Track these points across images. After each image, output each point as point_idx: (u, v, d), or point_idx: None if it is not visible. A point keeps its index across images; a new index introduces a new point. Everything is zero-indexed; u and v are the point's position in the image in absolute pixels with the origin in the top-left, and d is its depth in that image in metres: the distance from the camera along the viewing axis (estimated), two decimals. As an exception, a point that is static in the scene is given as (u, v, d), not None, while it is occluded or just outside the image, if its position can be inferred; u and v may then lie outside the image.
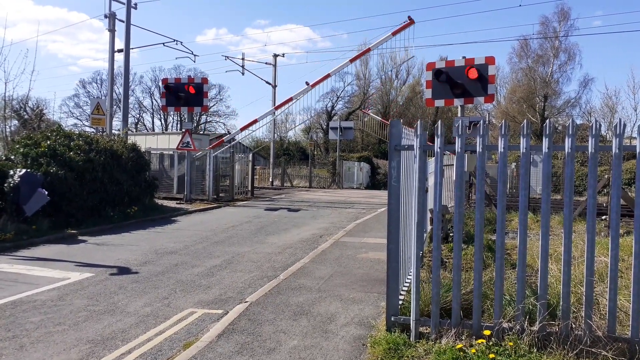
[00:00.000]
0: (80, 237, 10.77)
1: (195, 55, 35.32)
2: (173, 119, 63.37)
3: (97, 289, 6.71)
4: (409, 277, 5.93)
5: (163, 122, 63.68)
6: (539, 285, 4.37)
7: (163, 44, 25.55)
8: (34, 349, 4.66)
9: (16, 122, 26.30)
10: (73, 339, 4.90)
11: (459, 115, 12.50)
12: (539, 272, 4.38)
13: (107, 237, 10.82)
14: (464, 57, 12.12)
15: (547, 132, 4.35)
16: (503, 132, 4.45)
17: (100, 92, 57.55)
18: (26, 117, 29.10)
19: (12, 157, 11.75)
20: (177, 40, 25.55)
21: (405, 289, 5.47)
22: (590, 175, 4.33)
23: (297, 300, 6.08)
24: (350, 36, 77.03)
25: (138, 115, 64.08)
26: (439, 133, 4.53)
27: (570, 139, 4.28)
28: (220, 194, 18.69)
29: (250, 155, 21.96)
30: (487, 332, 4.31)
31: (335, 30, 76.85)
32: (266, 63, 35.78)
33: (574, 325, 4.34)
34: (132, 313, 5.76)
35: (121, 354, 4.56)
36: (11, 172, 10.47)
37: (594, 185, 4.35)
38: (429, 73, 12.27)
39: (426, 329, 4.69)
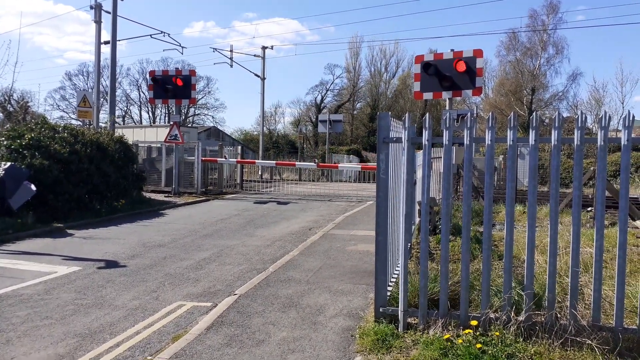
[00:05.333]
0: (67, 231, 10.66)
1: (182, 47, 34.87)
2: (161, 111, 62.84)
3: (84, 283, 6.66)
4: (397, 268, 5.97)
5: (151, 114, 63.10)
6: (525, 275, 4.43)
7: (150, 35, 25.24)
8: (20, 343, 4.62)
9: (0, 115, 25.90)
10: (60, 333, 4.87)
11: (447, 108, 12.55)
12: (525, 263, 4.44)
13: (95, 231, 10.72)
14: (452, 50, 12.15)
15: (534, 125, 4.39)
16: (490, 125, 4.49)
17: (87, 84, 56.77)
18: (10, 109, 28.64)
19: (-4, 150, 11.57)
20: (164, 32, 25.22)
21: (394, 280, 5.51)
22: (575, 168, 4.38)
23: (286, 292, 6.09)
24: (338, 29, 76.76)
25: (125, 108, 63.45)
26: (427, 125, 4.54)
27: (556, 132, 4.33)
28: (209, 187, 18.61)
29: (239, 148, 21.84)
30: (474, 323, 4.36)
31: (322, 23, 76.58)
32: (255, 55, 35.58)
33: (559, 315, 4.41)
34: (120, 306, 5.73)
35: (109, 347, 4.54)
36: (-5, 165, 10.31)
37: (580, 177, 4.41)
38: (418, 66, 12.30)
39: (414, 320, 4.73)
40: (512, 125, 4.42)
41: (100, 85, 20.74)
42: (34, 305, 5.72)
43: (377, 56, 64.23)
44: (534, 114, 4.55)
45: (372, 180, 26.33)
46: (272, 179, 25.70)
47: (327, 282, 6.55)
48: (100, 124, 19.64)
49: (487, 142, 4.47)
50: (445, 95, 12.00)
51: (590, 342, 4.02)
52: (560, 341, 4.09)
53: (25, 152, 11.46)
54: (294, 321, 5.10)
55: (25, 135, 11.92)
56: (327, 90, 63.36)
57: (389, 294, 4.98)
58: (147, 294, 6.24)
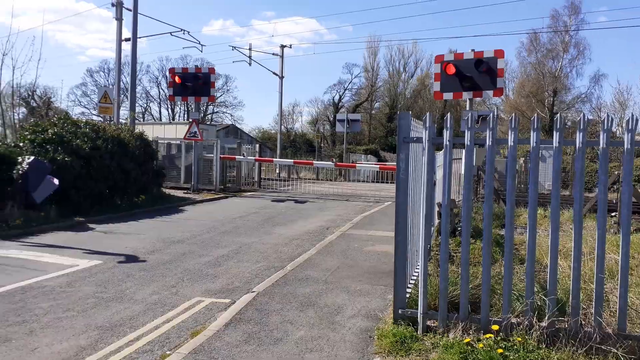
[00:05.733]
0: (88, 225, 10.84)
1: (202, 45, 35.40)
2: (180, 108, 63.41)
3: (105, 277, 6.76)
4: (416, 270, 5.93)
5: (170, 112, 63.75)
6: (548, 280, 4.35)
7: (170, 33, 25.45)
8: (43, 334, 4.70)
9: (24, 109, 26.45)
10: (82, 325, 4.94)
11: (467, 108, 12.41)
12: (549, 268, 4.36)
13: (115, 226, 10.88)
14: (472, 50, 12.01)
15: (558, 127, 4.30)
16: (513, 126, 4.42)
17: (108, 81, 57.60)
18: (34, 104, 29.25)
19: (21, 144, 11.81)
20: (184, 30, 25.46)
21: (413, 282, 5.46)
22: (600, 171, 4.29)
23: (304, 291, 6.09)
24: (356, 28, 76.57)
25: (145, 105, 64.23)
26: (448, 125, 4.49)
27: (581, 134, 4.24)
28: (227, 185, 18.72)
29: (257, 146, 21.95)
30: (495, 327, 4.30)
31: (340, 23, 76.47)
32: (273, 54, 35.65)
33: (583, 322, 4.32)
34: (140, 301, 5.80)
35: (129, 341, 4.59)
36: (19, 159, 10.52)
37: (605, 180, 4.31)
38: (438, 65, 12.18)
39: (433, 323, 4.68)
40: (535, 127, 4.34)
41: (121, 82, 21.03)
42: (57, 297, 5.82)
43: (395, 56, 63.79)
44: (558, 115, 4.47)
45: (390, 181, 26.20)
46: (290, 178, 25.76)
47: (344, 282, 6.53)
48: (120, 120, 19.90)
49: (509, 144, 4.40)
50: (466, 95, 11.87)
51: (615, 350, 3.93)
52: (585, 349, 4.00)
53: (48, 146, 11.68)
54: (311, 320, 5.09)
55: (49, 130, 12.15)
56: (345, 90, 63.24)
57: (407, 295, 4.95)
58: (166, 289, 6.30)
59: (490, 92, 11.66)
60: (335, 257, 8.03)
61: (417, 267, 6.26)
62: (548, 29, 43.63)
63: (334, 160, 24.31)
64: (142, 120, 59.31)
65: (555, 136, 4.29)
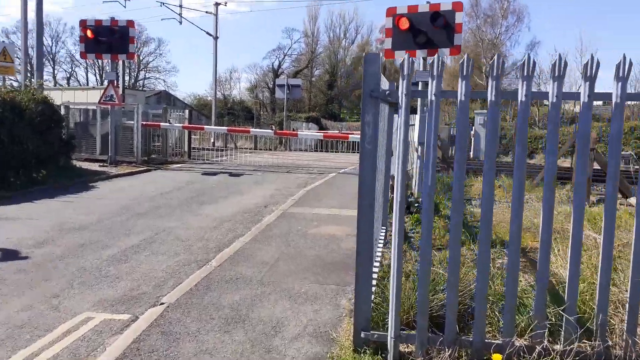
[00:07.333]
0: (-35, 209, 8.70)
1: (126, 0, 31.84)
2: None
3: (-43, 286, 4.95)
4: (375, 262, 4.64)
5: (98, 77, 58.75)
6: (566, 292, 3.15)
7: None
8: None
9: None
10: None
11: (420, 69, 11.15)
12: (568, 273, 3.15)
13: (1, 209, 8.80)
14: (428, 2, 10.68)
15: (525, 73, 3.04)
16: (464, 73, 3.11)
17: (28, 42, 51.67)
18: None
19: None
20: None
21: (373, 280, 4.14)
22: (616, 127, 3.09)
23: (232, 299, 4.63)
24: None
25: (70, 70, 58.87)
26: (436, 73, 3.11)
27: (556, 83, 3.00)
28: (151, 156, 16.63)
29: (187, 112, 19.76)
30: (497, 358, 3.06)
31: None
32: (207, 12, 32.88)
33: (610, 343, 3.19)
34: (2, 322, 4.13)
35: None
36: None
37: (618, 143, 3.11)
38: (390, 19, 10.76)
39: (408, 348, 3.41)
40: (495, 74, 3.05)
41: (43, 45, 18.09)
42: None
43: (336, 22, 62.33)
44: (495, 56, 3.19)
45: (333, 150, 24.93)
46: (226, 148, 23.84)
47: (285, 282, 5.12)
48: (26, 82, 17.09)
49: (459, 98, 3.10)
50: (420, 53, 10.58)
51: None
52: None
53: None
54: (239, 348, 3.66)
55: None
56: (284, 56, 61.06)
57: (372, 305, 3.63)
58: (45, 300, 4.64)
59: (447, 50, 10.42)
60: (274, 245, 6.60)
61: (377, 258, 4.97)
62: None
63: (274, 127, 22.65)
64: (67, 85, 54.22)
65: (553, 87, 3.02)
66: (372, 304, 3.57)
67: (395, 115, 7.89)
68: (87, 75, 59.35)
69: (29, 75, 16.30)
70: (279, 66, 60.96)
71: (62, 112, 15.44)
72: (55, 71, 59.35)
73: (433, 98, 3.10)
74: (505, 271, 3.35)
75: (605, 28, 65.61)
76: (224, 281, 5.10)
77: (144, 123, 15.92)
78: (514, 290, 3.20)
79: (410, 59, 3.07)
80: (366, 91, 3.17)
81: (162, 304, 4.48)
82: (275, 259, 5.92)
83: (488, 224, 3.18)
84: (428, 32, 10.55)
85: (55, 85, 51.97)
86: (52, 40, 57.98)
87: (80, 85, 56.23)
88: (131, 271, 5.54)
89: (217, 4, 32.52)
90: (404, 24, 10.40)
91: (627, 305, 3.13)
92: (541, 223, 3.14)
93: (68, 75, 58.64)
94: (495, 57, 3.13)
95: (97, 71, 58.16)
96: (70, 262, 5.85)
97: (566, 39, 70.04)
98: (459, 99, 3.09)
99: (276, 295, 4.73)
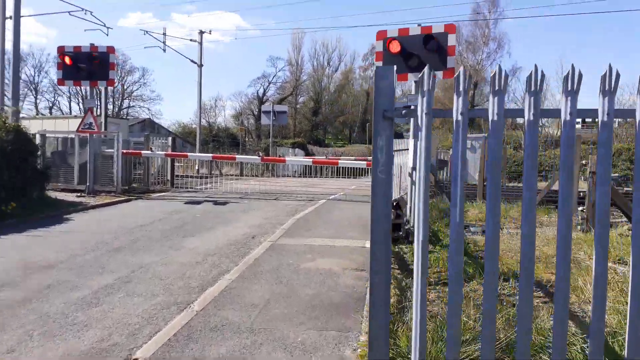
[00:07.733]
0: None
1: (108, 28, 31.41)
2: (95, 103, 57.98)
3: None
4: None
5: (81, 106, 58.11)
6: (591, 330, 2.62)
7: (69, 12, 21.84)
8: None
9: None
10: None
11: (412, 92, 10.80)
12: (592, 308, 2.62)
13: (-37, 246, 8.04)
14: (419, 25, 10.42)
15: (532, 86, 2.58)
16: (460, 88, 2.65)
17: (9, 72, 50.95)
18: None
19: None
20: (85, 10, 21.95)
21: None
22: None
23: (218, 351, 3.99)
24: (278, 25, 74.49)
25: (53, 99, 58.18)
26: (462, 88, 2.63)
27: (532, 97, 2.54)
28: (132, 185, 15.92)
29: (170, 139, 19.15)
30: None
31: (264, 18, 73.97)
32: (191, 40, 32.64)
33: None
34: (-61, 389, 3.43)
35: None
36: None
37: None
38: (380, 43, 10.45)
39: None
40: (496, 88, 2.59)
41: (24, 73, 17.42)
42: None
43: (319, 50, 63.25)
44: (497, 67, 2.76)
45: (321, 175, 24.45)
46: (211, 175, 23.19)
47: (279, 329, 4.50)
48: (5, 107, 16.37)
49: (454, 118, 2.62)
50: (412, 77, 10.24)
51: None
52: None
53: None
54: (228, 419, 3.03)
55: None
56: (269, 83, 61.38)
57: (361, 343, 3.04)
58: (-3, 357, 3.95)
59: (440, 73, 10.10)
60: (264, 283, 5.97)
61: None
62: (469, 19, 44.37)
63: (260, 154, 22.12)
64: (50, 114, 53.37)
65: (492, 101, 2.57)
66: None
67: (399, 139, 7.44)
68: (70, 104, 58.79)
69: (2, 104, 15.62)
70: (264, 94, 61.18)
71: (38, 140, 14.77)
72: (38, 100, 58.62)
73: (424, 116, 2.61)
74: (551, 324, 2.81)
75: (585, 57, 67.52)
76: (207, 329, 4.46)
77: (125, 151, 15.27)
78: (563, 339, 2.66)
79: (432, 72, 2.59)
80: (378, 110, 2.67)
81: (135, 359, 3.83)
82: (265, 300, 5.29)
83: (529, 277, 2.65)
84: (420, 55, 10.26)
85: (37, 114, 51.15)
86: (34, 70, 57.40)
87: (62, 114, 55.46)
88: (102, 317, 4.87)
89: (201, 32, 32.39)
90: (395, 47, 10.11)
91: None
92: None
93: (50, 105, 57.98)
94: (496, 68, 2.67)
95: (80, 100, 57.59)
96: (32, 307, 5.15)
97: (546, 66, 71.60)
98: (454, 118, 2.60)
99: (269, 346, 4.10)
